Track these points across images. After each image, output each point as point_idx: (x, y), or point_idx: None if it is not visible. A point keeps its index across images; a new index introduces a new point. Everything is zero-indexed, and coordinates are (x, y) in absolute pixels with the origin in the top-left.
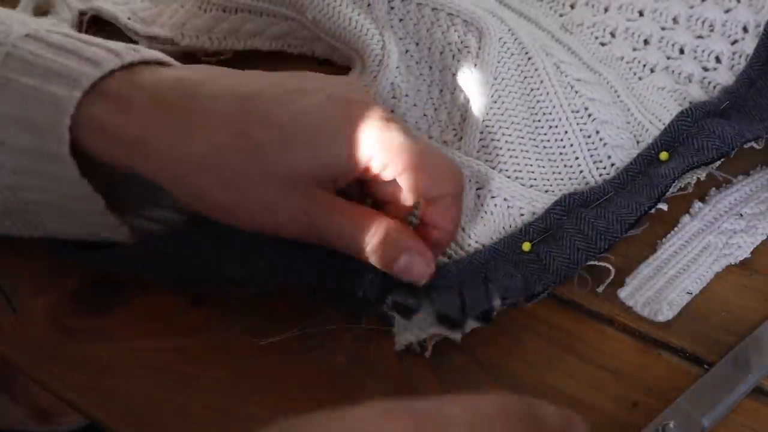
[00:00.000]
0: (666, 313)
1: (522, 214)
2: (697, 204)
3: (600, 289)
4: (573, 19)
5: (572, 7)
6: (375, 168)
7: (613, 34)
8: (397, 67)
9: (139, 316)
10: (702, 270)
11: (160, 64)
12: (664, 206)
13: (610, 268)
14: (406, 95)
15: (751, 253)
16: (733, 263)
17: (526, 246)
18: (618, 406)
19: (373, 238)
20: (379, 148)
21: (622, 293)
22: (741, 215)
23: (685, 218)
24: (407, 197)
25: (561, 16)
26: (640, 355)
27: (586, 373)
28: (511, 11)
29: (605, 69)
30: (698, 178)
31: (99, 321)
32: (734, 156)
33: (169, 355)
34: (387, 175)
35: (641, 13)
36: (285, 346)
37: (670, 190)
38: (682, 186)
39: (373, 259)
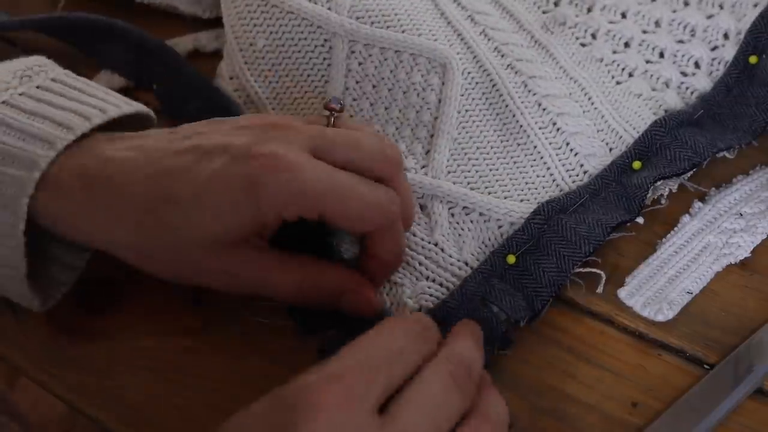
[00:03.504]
0: (666, 313)
1: (500, 226)
2: (697, 204)
3: (599, 290)
4: (556, 17)
5: (556, 4)
6: (290, 217)
7: (594, 36)
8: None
9: (139, 316)
10: (702, 270)
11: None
12: (640, 219)
13: (601, 273)
14: None
15: (751, 252)
16: (733, 263)
17: (511, 259)
18: (618, 406)
19: (302, 284)
20: (288, 200)
21: (622, 293)
22: (741, 215)
23: (685, 218)
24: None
25: (544, 13)
26: (640, 355)
27: (586, 373)
28: (479, 25)
29: (582, 72)
30: (670, 190)
31: (99, 321)
32: (734, 156)
33: (169, 355)
34: (310, 217)
35: (624, 15)
36: (285, 346)
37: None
38: (655, 198)
39: (318, 302)
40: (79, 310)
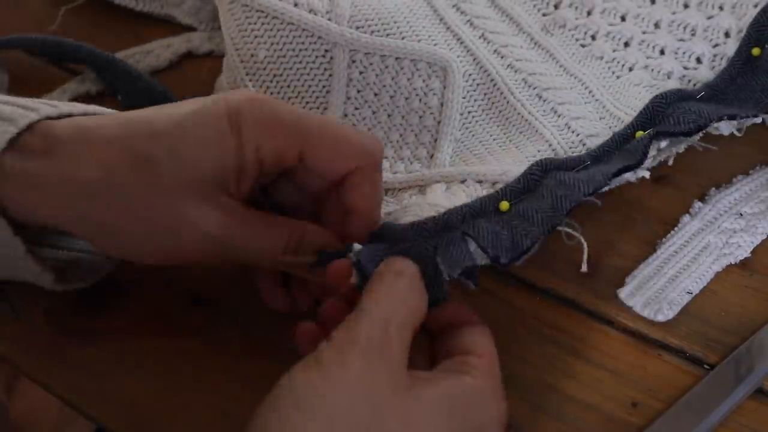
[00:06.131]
0: (666, 313)
1: (495, 185)
2: (697, 204)
3: (600, 290)
4: (555, 20)
5: (556, 7)
6: (268, 157)
7: (593, 37)
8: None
9: (139, 316)
10: (702, 270)
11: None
12: (646, 173)
13: (598, 203)
14: None
15: (751, 252)
16: (733, 263)
17: (504, 205)
18: (618, 406)
19: (288, 244)
20: (268, 128)
21: (622, 293)
22: (741, 214)
23: (685, 218)
24: (316, 179)
25: (544, 15)
26: (640, 355)
27: (586, 373)
28: (478, 29)
29: (582, 68)
30: (677, 153)
31: (99, 321)
32: (733, 156)
33: (169, 355)
34: (287, 162)
35: (623, 18)
36: (285, 346)
37: (651, 162)
38: (663, 160)
39: (296, 268)
40: (79, 310)
